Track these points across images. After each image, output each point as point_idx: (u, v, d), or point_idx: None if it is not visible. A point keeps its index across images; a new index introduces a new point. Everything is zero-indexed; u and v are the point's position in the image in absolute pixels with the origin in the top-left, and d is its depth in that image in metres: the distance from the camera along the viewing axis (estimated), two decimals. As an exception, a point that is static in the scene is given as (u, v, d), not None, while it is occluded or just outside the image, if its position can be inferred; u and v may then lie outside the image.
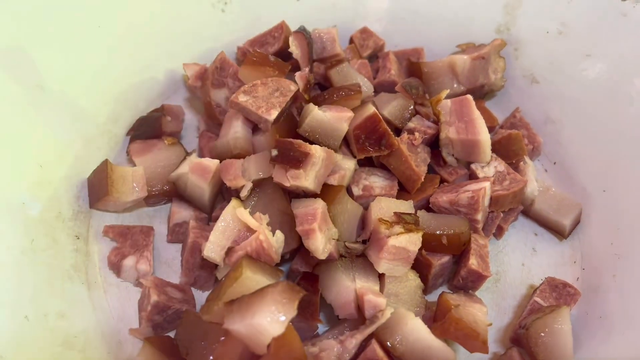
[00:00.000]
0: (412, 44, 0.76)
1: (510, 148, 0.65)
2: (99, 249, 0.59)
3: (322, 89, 0.68)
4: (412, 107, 0.64)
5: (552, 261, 0.64)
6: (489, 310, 0.59)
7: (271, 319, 0.44)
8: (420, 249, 0.56)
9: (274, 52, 0.68)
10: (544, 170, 0.70)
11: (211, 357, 0.48)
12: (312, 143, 0.56)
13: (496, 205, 0.60)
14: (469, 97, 0.62)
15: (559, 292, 0.57)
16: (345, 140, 0.60)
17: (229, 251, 0.52)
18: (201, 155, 0.65)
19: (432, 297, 0.59)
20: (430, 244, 0.57)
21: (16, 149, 0.55)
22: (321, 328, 0.57)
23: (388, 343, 0.51)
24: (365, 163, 0.62)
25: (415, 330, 0.50)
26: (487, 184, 0.57)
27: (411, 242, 0.54)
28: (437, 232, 0.57)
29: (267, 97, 0.58)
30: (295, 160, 0.53)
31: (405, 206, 0.58)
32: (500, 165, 0.62)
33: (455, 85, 0.70)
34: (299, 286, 0.51)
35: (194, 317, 0.51)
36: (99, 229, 0.60)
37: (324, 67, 0.67)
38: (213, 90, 0.63)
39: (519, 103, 0.73)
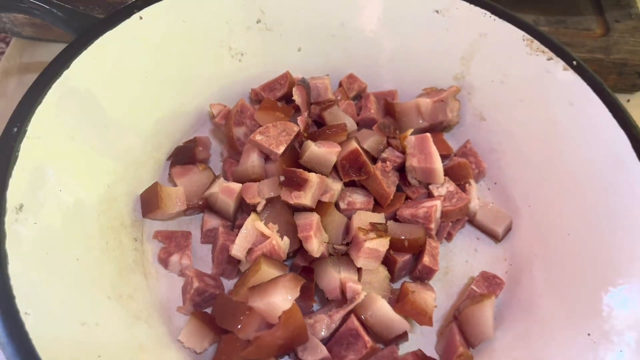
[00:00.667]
0: (388, 87, 0.91)
1: (459, 173, 0.81)
2: (151, 248, 0.75)
3: (318, 126, 0.84)
4: (385, 141, 0.81)
5: (488, 259, 0.79)
6: (439, 295, 0.74)
7: (282, 299, 0.60)
8: (388, 250, 0.69)
9: (280, 95, 0.84)
10: (487, 188, 0.85)
11: (239, 326, 0.62)
12: (309, 171, 0.71)
13: (446, 217, 0.77)
14: (428, 135, 0.78)
15: (490, 282, 0.73)
16: (335, 168, 0.75)
17: (250, 251, 0.67)
18: (225, 177, 0.80)
19: (397, 285, 0.75)
20: (396, 245, 0.71)
21: (91, 174, 0.70)
22: (315, 307, 0.71)
23: (362, 317, 0.66)
24: (350, 184, 0.77)
25: (382, 308, 0.66)
26: (438, 202, 0.74)
27: (381, 244, 0.68)
28: (401, 237, 0.72)
29: (276, 136, 0.75)
30: (297, 184, 0.69)
31: (378, 217, 0.73)
32: (451, 186, 0.78)
33: (420, 122, 0.86)
34: (300, 276, 0.65)
35: (225, 298, 0.66)
36: (150, 234, 0.76)
37: (319, 108, 0.83)
38: (235, 128, 0.78)
39: (470, 136, 0.88)
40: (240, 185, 0.74)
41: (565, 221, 0.74)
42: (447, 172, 0.81)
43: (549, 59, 0.80)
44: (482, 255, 0.80)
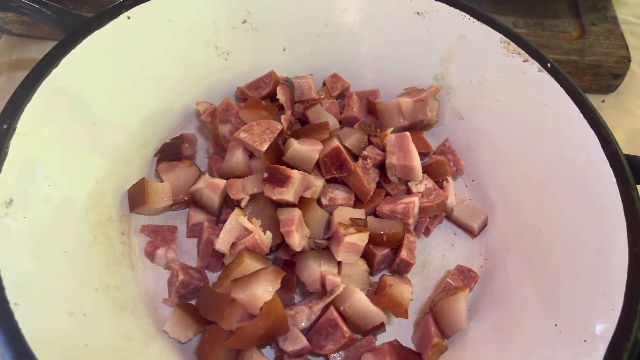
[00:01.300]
0: (371, 86, 0.94)
1: (437, 170, 0.83)
2: (138, 242, 0.77)
3: (302, 123, 0.86)
4: (366, 139, 0.84)
5: (465, 253, 0.82)
6: (417, 288, 0.77)
7: (263, 290, 0.62)
8: (367, 244, 0.72)
9: (265, 94, 0.86)
10: (464, 185, 0.88)
11: (222, 317, 0.64)
12: (292, 168, 0.73)
13: (424, 213, 0.79)
14: (407, 133, 0.80)
15: (465, 276, 0.76)
16: (317, 165, 0.78)
17: (233, 245, 0.69)
18: (211, 173, 0.82)
19: (376, 278, 0.77)
20: (375, 240, 0.74)
21: (79, 170, 0.72)
22: (297, 298, 0.73)
23: (341, 308, 0.68)
24: (331, 181, 0.79)
25: (360, 299, 0.68)
26: (416, 199, 0.77)
27: (361, 239, 0.70)
28: (380, 232, 0.74)
29: (260, 134, 0.77)
30: (280, 180, 0.71)
31: (359, 213, 0.75)
32: (429, 183, 0.81)
33: (401, 120, 0.89)
34: (282, 269, 0.67)
35: (209, 290, 0.68)
36: (137, 228, 0.78)
37: (302, 107, 0.85)
38: (220, 125, 0.80)
39: (448, 134, 0.90)
40: (224, 181, 0.76)
41: (538, 217, 0.77)
42: (426, 170, 0.83)
43: (524, 61, 0.82)
44: (458, 249, 0.83)
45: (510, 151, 0.84)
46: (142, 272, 0.76)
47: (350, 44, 0.93)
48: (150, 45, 0.82)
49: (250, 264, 0.67)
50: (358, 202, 0.80)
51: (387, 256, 0.77)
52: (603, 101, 1.06)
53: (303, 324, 0.68)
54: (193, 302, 0.73)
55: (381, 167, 0.83)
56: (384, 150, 0.83)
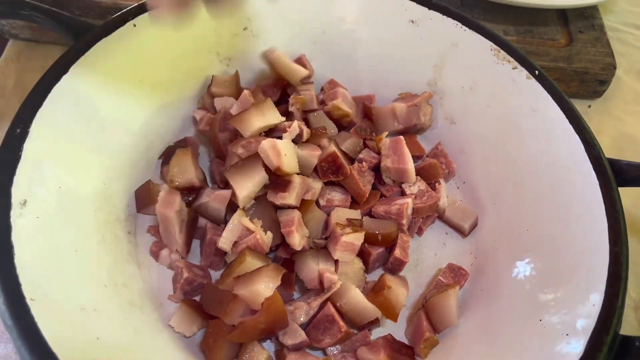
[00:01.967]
0: (367, 91, 0.97)
1: (430, 172, 0.87)
2: (144, 241, 0.80)
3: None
4: (362, 143, 0.87)
5: (456, 252, 0.85)
6: (410, 285, 0.80)
7: (264, 287, 0.65)
8: (363, 243, 0.75)
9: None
10: (456, 187, 0.92)
11: (225, 312, 0.67)
12: None
13: (417, 214, 0.83)
14: (401, 137, 0.84)
15: (455, 273, 0.80)
16: (315, 168, 0.81)
17: (235, 244, 0.73)
18: (213, 175, 0.86)
19: (371, 276, 0.81)
20: (370, 239, 0.77)
21: (88, 172, 0.75)
22: (295, 295, 0.77)
23: (338, 304, 0.71)
24: (329, 183, 0.83)
25: (356, 296, 0.71)
26: (409, 200, 0.80)
27: (357, 238, 0.74)
28: (376, 232, 0.77)
29: None
30: (282, 185, 0.74)
31: (355, 214, 0.78)
32: (422, 185, 0.85)
33: (396, 124, 0.92)
34: (282, 267, 0.70)
35: (212, 286, 0.71)
36: (143, 227, 0.81)
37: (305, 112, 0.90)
38: (220, 134, 0.82)
39: (441, 138, 0.94)
40: (229, 191, 0.77)
41: (526, 218, 0.81)
42: (419, 172, 0.87)
43: (514, 68, 0.86)
44: (449, 248, 0.87)
45: (499, 154, 0.88)
46: (148, 269, 0.79)
47: (347, 50, 0.97)
48: (155, 51, 0.86)
49: (252, 262, 0.70)
50: (354, 203, 0.84)
51: (381, 255, 0.81)
52: (589, 106, 1.10)
53: (302, 319, 0.72)
54: (197, 298, 0.77)
55: (376, 169, 0.87)
56: (379, 153, 0.86)
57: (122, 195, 0.81)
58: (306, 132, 0.82)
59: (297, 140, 0.82)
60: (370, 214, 0.83)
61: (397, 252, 0.79)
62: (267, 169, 0.75)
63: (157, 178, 0.88)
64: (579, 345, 0.63)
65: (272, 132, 0.82)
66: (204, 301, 0.72)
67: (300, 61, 0.94)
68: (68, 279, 0.66)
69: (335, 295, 0.73)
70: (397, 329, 0.78)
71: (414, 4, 0.91)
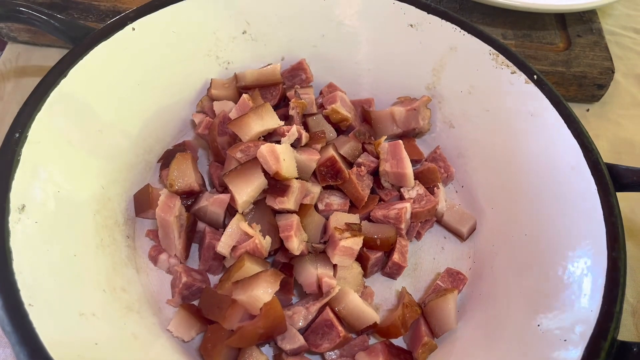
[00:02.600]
0: (365, 95, 0.97)
1: (429, 177, 0.87)
2: (143, 245, 0.80)
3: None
4: (360, 147, 0.87)
5: (454, 256, 0.85)
6: (409, 289, 0.80)
7: (263, 292, 0.65)
8: (361, 248, 0.75)
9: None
10: (454, 191, 0.92)
11: (224, 317, 0.67)
12: None
13: (416, 218, 0.83)
14: (400, 142, 0.84)
15: (454, 278, 0.80)
16: (314, 172, 0.81)
17: (234, 249, 0.73)
18: (211, 179, 0.85)
19: (369, 281, 0.82)
20: (369, 244, 0.78)
21: (87, 176, 0.75)
22: (294, 300, 0.77)
23: (336, 309, 0.72)
24: (327, 187, 0.83)
25: (354, 300, 0.71)
26: (408, 204, 0.81)
27: (356, 243, 0.74)
28: (374, 236, 0.78)
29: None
30: (281, 190, 0.74)
31: (354, 218, 0.79)
32: (420, 189, 0.85)
33: (394, 128, 0.92)
34: (281, 272, 0.70)
35: (211, 291, 0.71)
36: (142, 231, 0.81)
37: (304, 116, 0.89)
38: (218, 137, 0.82)
39: (439, 142, 0.94)
40: (228, 195, 0.77)
41: (524, 222, 0.81)
42: (418, 176, 0.87)
43: (512, 73, 0.86)
44: (448, 253, 0.87)
45: (498, 159, 0.88)
46: (146, 274, 0.79)
47: (346, 54, 0.97)
48: (153, 55, 0.86)
49: (251, 267, 0.70)
50: (353, 208, 0.84)
51: (380, 259, 0.81)
52: (588, 110, 1.10)
53: (300, 323, 0.72)
54: (196, 302, 0.77)
55: (375, 173, 0.87)
56: (377, 157, 0.86)
57: (121, 199, 0.81)
58: (305, 136, 0.82)
59: (295, 145, 0.82)
60: (368, 219, 0.83)
61: (396, 257, 0.79)
62: (266, 173, 0.75)
63: (156, 182, 0.88)
64: (577, 351, 0.63)
65: (271, 136, 0.82)
66: (202, 306, 0.72)
67: (300, 65, 0.94)
68: (66, 284, 0.66)
69: (333, 300, 0.73)
70: (396, 334, 0.78)
71: (413, 8, 0.91)
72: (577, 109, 0.80)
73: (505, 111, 0.87)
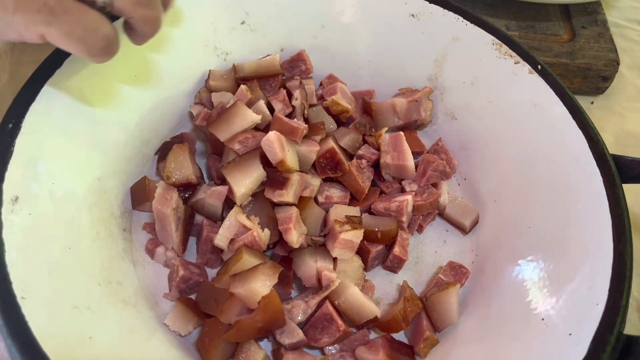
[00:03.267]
0: (366, 86, 0.96)
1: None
2: (139, 238, 0.79)
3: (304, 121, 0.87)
4: (361, 139, 0.86)
5: (456, 250, 0.84)
6: (411, 283, 0.79)
7: (261, 285, 0.64)
8: (362, 241, 0.74)
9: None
10: (457, 184, 0.91)
11: (221, 310, 0.66)
12: None
13: (417, 211, 0.81)
14: (401, 133, 0.83)
15: (456, 272, 0.79)
16: (313, 164, 0.80)
17: (232, 241, 0.71)
18: (209, 171, 0.84)
19: (370, 275, 0.81)
20: (369, 237, 0.76)
21: (82, 168, 0.73)
22: (293, 293, 0.76)
23: (336, 302, 0.70)
24: (327, 180, 0.81)
25: (355, 294, 0.70)
26: (409, 197, 0.79)
27: (356, 236, 0.72)
28: (375, 229, 0.76)
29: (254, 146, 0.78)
30: (280, 183, 0.73)
31: (354, 211, 0.77)
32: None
33: (396, 120, 0.91)
34: (280, 265, 0.69)
35: (209, 285, 0.70)
36: (138, 224, 0.80)
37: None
38: None
39: (441, 134, 0.93)
40: (226, 187, 0.76)
41: (527, 215, 0.80)
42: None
43: (516, 63, 0.85)
44: (450, 246, 0.85)
45: (501, 150, 0.86)
46: (143, 267, 0.78)
47: (346, 45, 0.95)
48: (150, 45, 0.83)
49: (249, 260, 0.69)
50: (353, 200, 0.82)
51: (381, 252, 0.79)
52: (592, 102, 1.09)
53: (299, 317, 0.71)
54: (193, 296, 0.76)
55: (376, 166, 0.85)
56: (378, 149, 0.85)
57: (117, 192, 0.80)
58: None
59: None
60: (369, 211, 0.82)
61: (397, 250, 0.78)
62: (264, 165, 0.74)
63: (153, 174, 0.87)
64: (582, 345, 0.62)
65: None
66: (200, 299, 0.71)
67: (300, 56, 0.92)
68: (60, 277, 0.64)
69: (333, 294, 0.71)
70: (397, 328, 0.77)
71: (414, -3, 0.90)
72: (582, 102, 0.78)
73: (509, 102, 0.86)
